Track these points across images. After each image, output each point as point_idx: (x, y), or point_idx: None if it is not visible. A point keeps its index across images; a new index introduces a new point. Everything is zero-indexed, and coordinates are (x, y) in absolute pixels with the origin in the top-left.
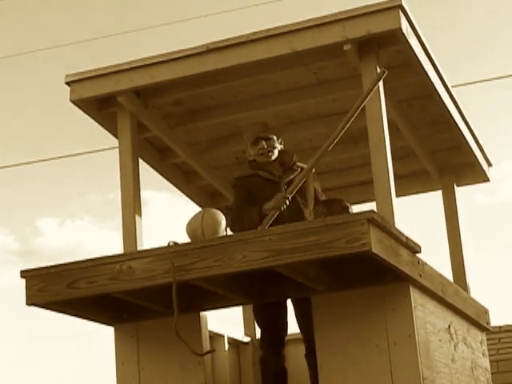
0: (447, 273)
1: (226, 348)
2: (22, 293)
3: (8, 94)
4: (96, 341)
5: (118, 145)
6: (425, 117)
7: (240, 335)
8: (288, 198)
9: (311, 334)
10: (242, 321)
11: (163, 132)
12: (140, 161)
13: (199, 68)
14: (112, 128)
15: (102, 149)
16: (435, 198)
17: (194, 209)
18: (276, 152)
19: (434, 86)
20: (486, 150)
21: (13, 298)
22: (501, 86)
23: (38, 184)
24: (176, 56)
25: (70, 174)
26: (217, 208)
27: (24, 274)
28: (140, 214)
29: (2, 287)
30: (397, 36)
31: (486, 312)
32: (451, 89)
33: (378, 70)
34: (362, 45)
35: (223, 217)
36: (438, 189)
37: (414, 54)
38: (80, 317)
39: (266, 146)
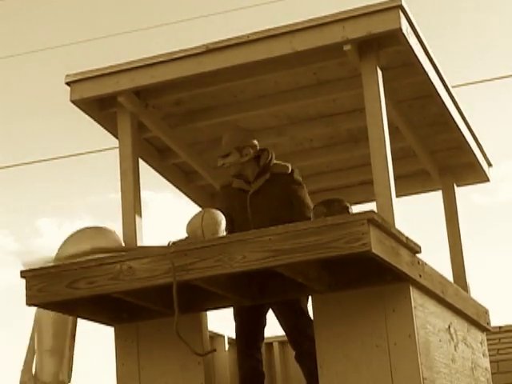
0: (447, 273)
1: (227, 348)
2: (22, 293)
3: (7, 94)
4: (96, 341)
5: (117, 145)
6: (425, 117)
7: None
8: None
9: (295, 336)
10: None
11: (163, 132)
12: (140, 161)
13: (199, 68)
14: (112, 128)
15: (102, 149)
16: (435, 198)
17: (193, 209)
18: (236, 165)
19: (434, 86)
20: (485, 150)
21: (12, 299)
22: (500, 86)
23: (38, 185)
24: (176, 56)
25: (70, 175)
26: (217, 208)
27: (24, 274)
28: (140, 214)
29: (2, 288)
30: (397, 36)
31: (486, 312)
32: (451, 89)
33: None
34: (362, 45)
35: (223, 217)
36: (438, 189)
37: (414, 54)
38: (80, 317)
39: (222, 164)
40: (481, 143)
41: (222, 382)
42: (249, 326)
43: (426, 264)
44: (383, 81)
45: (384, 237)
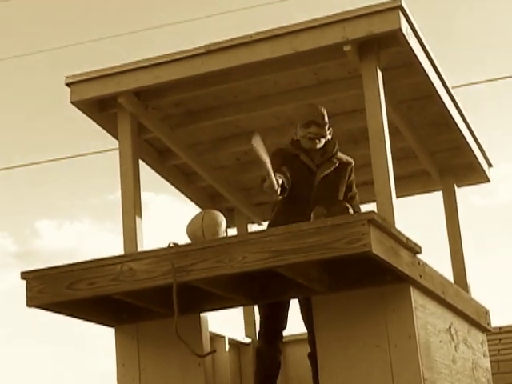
0: (448, 273)
1: (227, 349)
2: (21, 295)
3: (6, 96)
4: (96, 342)
5: (117, 146)
6: (425, 117)
7: (241, 336)
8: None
9: (313, 334)
10: (243, 322)
11: (163, 133)
12: (139, 163)
13: (200, 69)
14: (112, 129)
15: (101, 150)
16: (435, 198)
17: (192, 211)
18: (323, 141)
19: (434, 87)
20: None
21: (12, 301)
22: (501, 86)
23: (37, 186)
24: (177, 57)
25: (69, 176)
26: (217, 209)
27: (25, 275)
28: (140, 215)
29: (1, 290)
30: (397, 37)
31: (487, 313)
32: (451, 89)
33: None
34: (362, 45)
35: (223, 218)
36: (439, 189)
37: (414, 54)
38: (80, 318)
39: (316, 132)
40: (481, 144)
41: (222, 383)
42: (273, 317)
43: (426, 264)
44: (383, 81)
45: (384, 237)
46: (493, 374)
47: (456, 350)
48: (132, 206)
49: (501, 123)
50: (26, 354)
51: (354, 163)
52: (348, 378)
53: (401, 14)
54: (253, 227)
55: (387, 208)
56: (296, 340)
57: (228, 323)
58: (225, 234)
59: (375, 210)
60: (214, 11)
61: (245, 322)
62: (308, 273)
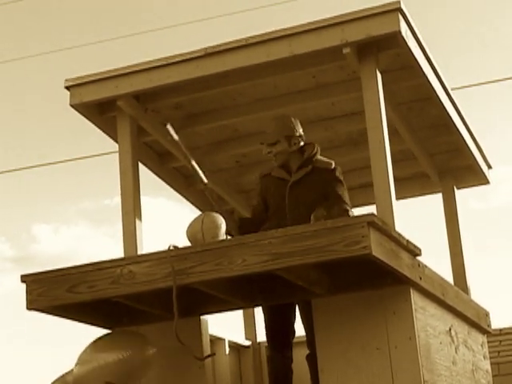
0: (448, 275)
1: (227, 352)
2: (18, 299)
3: (3, 99)
4: None
5: (113, 150)
6: (424, 120)
7: (241, 339)
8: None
9: (311, 336)
10: (243, 325)
11: (163, 136)
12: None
13: (198, 72)
14: (112, 132)
15: (99, 154)
16: (435, 200)
17: (190, 214)
18: (282, 156)
19: (434, 89)
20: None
21: (9, 305)
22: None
23: (33, 190)
24: (175, 60)
25: (65, 180)
26: (217, 212)
27: (24, 278)
28: (140, 218)
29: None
30: (396, 39)
31: (487, 314)
32: (451, 91)
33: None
34: (361, 48)
35: (223, 220)
36: (438, 191)
37: (414, 56)
38: (80, 321)
39: (268, 152)
40: (480, 145)
41: None
42: (276, 323)
43: (426, 266)
44: (382, 83)
45: (384, 240)
46: (493, 376)
47: (456, 352)
48: (132, 209)
49: (496, 125)
50: (25, 357)
51: (334, 167)
52: (348, 381)
53: (400, 17)
54: None
55: (387, 210)
56: (296, 342)
57: (228, 326)
58: (224, 237)
59: (375, 212)
60: (213, 14)
61: (245, 325)
62: (307, 275)
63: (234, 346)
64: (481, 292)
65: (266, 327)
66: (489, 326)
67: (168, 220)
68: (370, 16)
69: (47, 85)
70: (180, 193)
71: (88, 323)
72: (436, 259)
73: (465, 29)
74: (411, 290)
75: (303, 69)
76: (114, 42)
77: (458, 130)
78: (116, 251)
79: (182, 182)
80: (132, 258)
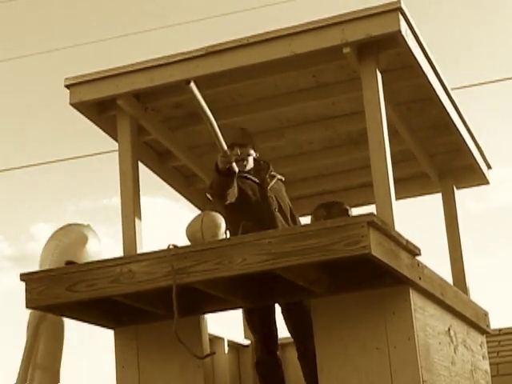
0: (447, 275)
1: (226, 351)
2: (17, 298)
3: (2, 98)
4: (95, 343)
5: (113, 149)
6: (424, 120)
7: (240, 338)
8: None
9: (300, 337)
10: (242, 324)
11: (163, 135)
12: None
13: (198, 71)
14: (112, 131)
15: (98, 153)
16: (435, 200)
17: (189, 213)
18: (250, 160)
19: (434, 89)
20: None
21: (8, 304)
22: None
23: (32, 190)
24: (175, 59)
25: (64, 179)
26: (216, 211)
27: (24, 277)
28: (140, 217)
29: None
30: (396, 39)
31: (486, 314)
32: (451, 91)
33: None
34: (361, 48)
35: (223, 220)
36: (438, 192)
37: (414, 56)
38: (80, 320)
39: (239, 153)
40: (480, 146)
41: None
42: (265, 326)
43: (425, 266)
44: (382, 83)
45: (384, 239)
46: (492, 376)
47: (455, 352)
48: (132, 208)
49: (495, 126)
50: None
51: (283, 179)
52: (347, 380)
53: (400, 16)
54: None
55: (387, 210)
56: (286, 344)
57: (227, 325)
58: (224, 236)
59: (375, 212)
60: (213, 13)
61: (244, 324)
62: (307, 275)
63: (234, 345)
64: (480, 292)
65: (255, 332)
66: (488, 326)
67: (167, 219)
68: (370, 16)
69: (47, 83)
70: (180, 192)
71: (88, 322)
72: (435, 259)
73: (465, 27)
74: (410, 290)
75: (303, 68)
76: (114, 40)
77: (457, 130)
78: (114, 251)
79: (182, 182)
80: (132, 257)
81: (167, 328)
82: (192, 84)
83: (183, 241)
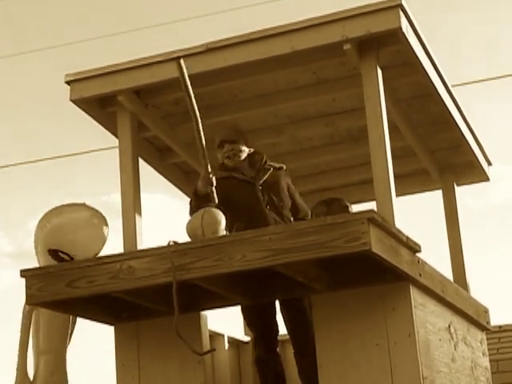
0: (447, 272)
1: (226, 347)
2: (16, 295)
3: (4, 94)
4: (96, 340)
5: (113, 145)
6: (424, 116)
7: (240, 335)
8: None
9: (296, 334)
10: (242, 320)
11: (163, 131)
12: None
13: (199, 67)
14: (112, 127)
15: (98, 149)
16: (435, 197)
17: (188, 210)
18: (242, 155)
19: (434, 86)
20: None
21: (8, 300)
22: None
23: (31, 186)
24: (176, 55)
25: (63, 176)
26: (217, 207)
27: (24, 273)
28: (140, 214)
29: None
30: (397, 35)
31: (486, 311)
32: (451, 88)
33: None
34: (361, 44)
35: (223, 216)
36: (438, 188)
37: (414, 53)
38: (80, 316)
39: (230, 149)
40: (480, 142)
41: (221, 381)
42: (264, 323)
43: (426, 263)
44: (383, 80)
45: (384, 236)
46: (492, 373)
47: (455, 349)
48: (132, 204)
49: (495, 123)
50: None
51: (285, 167)
52: (347, 376)
53: (401, 13)
54: None
55: (387, 207)
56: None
57: (227, 321)
58: (224, 233)
59: (375, 208)
60: (214, 10)
61: (244, 321)
62: (307, 271)
63: (234, 342)
64: (480, 289)
65: (254, 329)
66: (488, 323)
67: (167, 216)
68: (370, 12)
69: (47, 80)
70: (180, 188)
71: (88, 318)
72: (436, 256)
73: (466, 26)
74: (411, 287)
75: (304, 65)
76: (114, 37)
77: (458, 126)
78: (114, 247)
79: (182, 178)
80: (132, 254)
81: (167, 324)
82: (182, 61)
83: (183, 237)
